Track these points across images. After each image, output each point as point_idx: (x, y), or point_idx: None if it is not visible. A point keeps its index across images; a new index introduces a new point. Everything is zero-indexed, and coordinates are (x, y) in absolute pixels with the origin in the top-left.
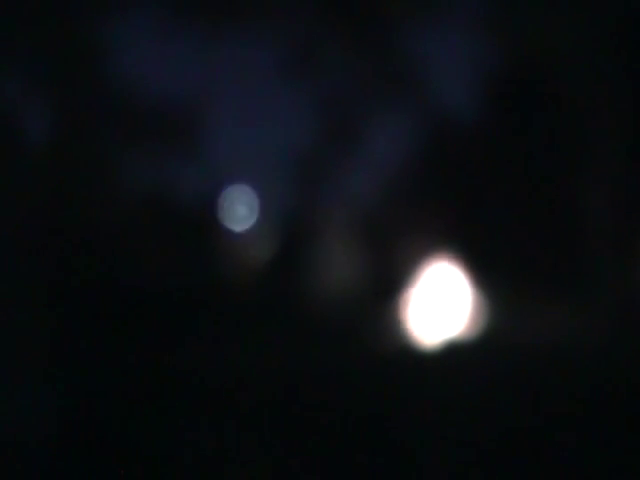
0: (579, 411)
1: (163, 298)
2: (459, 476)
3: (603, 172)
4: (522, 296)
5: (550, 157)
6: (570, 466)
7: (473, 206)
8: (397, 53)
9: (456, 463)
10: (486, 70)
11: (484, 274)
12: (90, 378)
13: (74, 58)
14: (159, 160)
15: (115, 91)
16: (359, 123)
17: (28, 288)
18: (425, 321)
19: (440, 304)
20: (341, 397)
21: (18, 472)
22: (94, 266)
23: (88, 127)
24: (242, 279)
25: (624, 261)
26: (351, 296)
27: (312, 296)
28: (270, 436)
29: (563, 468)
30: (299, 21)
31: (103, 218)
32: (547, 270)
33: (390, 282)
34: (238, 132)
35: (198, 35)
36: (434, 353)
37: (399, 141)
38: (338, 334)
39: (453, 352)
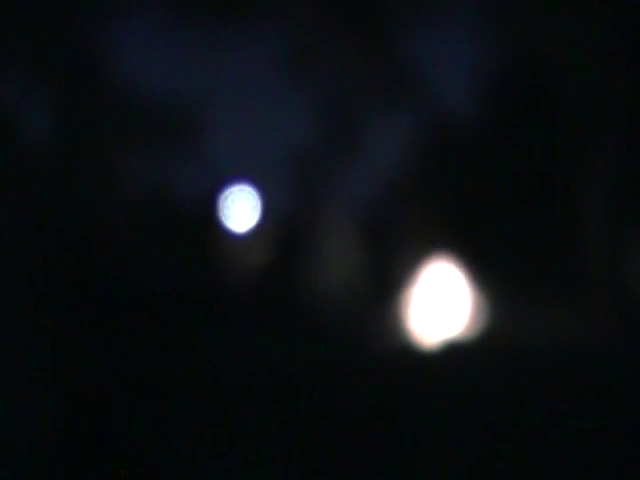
0: (579, 411)
1: (163, 298)
2: (459, 476)
3: (603, 172)
4: (521, 296)
5: (550, 157)
6: (570, 465)
7: (473, 206)
8: (397, 53)
9: (456, 462)
10: (486, 70)
11: (484, 274)
12: (90, 378)
13: (75, 59)
14: (160, 160)
15: (116, 91)
16: (359, 123)
17: (28, 288)
18: (425, 321)
19: (440, 304)
20: (341, 397)
21: (20, 473)
22: (94, 266)
23: (89, 127)
24: (243, 279)
25: (624, 261)
26: (352, 296)
27: (312, 296)
28: (270, 436)
29: (563, 467)
30: (299, 21)
31: (103, 218)
32: (547, 270)
33: (390, 282)
34: (239, 132)
35: (198, 35)
36: (434, 353)
37: (399, 141)
38: (338, 334)
39: (453, 352)
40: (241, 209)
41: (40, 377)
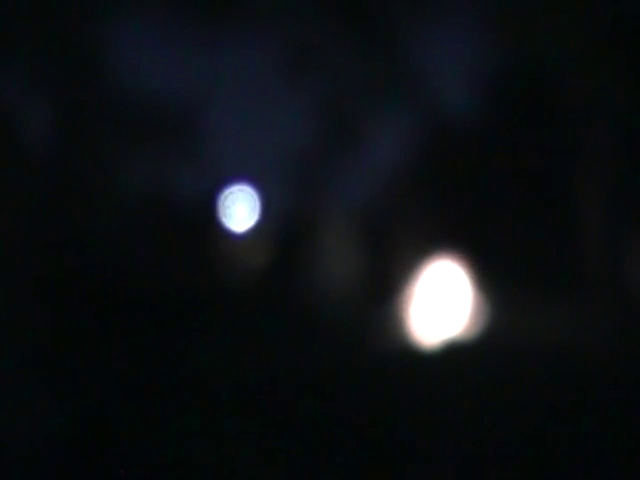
0: (579, 410)
1: (163, 298)
2: (459, 475)
3: (602, 172)
4: (522, 296)
5: (550, 157)
6: (570, 465)
7: (473, 206)
8: (397, 53)
9: (456, 462)
10: (486, 70)
11: (484, 274)
12: (89, 378)
13: (75, 59)
14: (160, 160)
15: (116, 91)
16: (359, 123)
17: (28, 288)
18: (425, 321)
19: (440, 304)
20: (341, 396)
21: (20, 473)
22: (94, 266)
23: (89, 127)
24: (242, 279)
25: (623, 261)
26: (352, 296)
27: (313, 296)
28: (270, 435)
29: (563, 467)
30: (299, 21)
31: (103, 218)
32: (547, 270)
33: (390, 282)
34: (239, 132)
35: (198, 36)
36: (434, 353)
37: (399, 141)
38: (339, 334)
39: (453, 352)
40: (241, 209)
41: (40, 377)
